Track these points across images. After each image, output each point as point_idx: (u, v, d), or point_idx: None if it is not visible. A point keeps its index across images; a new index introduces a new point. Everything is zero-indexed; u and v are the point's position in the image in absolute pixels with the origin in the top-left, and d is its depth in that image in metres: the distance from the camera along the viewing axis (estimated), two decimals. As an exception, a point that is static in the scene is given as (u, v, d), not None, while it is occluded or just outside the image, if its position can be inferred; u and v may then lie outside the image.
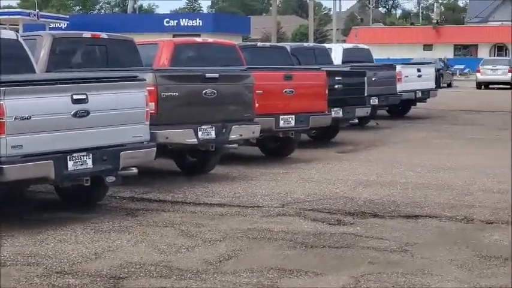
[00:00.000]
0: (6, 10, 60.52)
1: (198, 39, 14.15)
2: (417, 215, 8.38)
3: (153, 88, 9.46)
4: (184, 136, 9.94)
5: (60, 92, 7.70)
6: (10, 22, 48.24)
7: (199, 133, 10.10)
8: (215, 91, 10.23)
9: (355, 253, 6.81)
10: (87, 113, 7.85)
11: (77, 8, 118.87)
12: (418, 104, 22.86)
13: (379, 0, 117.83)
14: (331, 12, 65.77)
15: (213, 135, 10.27)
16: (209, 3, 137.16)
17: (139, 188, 9.89)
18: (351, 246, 7.05)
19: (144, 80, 8.61)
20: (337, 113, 14.56)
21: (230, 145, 10.68)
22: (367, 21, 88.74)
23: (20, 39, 9.41)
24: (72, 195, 8.87)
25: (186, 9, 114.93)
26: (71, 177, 7.87)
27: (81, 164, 7.85)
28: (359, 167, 11.96)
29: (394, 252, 6.81)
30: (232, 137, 10.48)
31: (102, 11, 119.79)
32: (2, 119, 7.19)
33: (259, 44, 17.67)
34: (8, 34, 9.40)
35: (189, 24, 56.45)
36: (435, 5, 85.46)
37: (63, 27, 51.28)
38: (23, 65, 9.27)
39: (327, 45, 23.09)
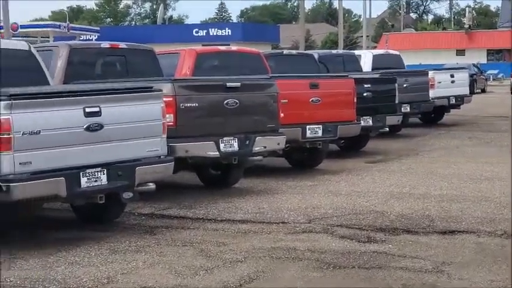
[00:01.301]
0: (37, 23, 61.10)
1: (222, 48, 13.69)
2: (453, 230, 7.84)
3: (171, 99, 9.02)
4: (205, 149, 9.47)
5: (72, 105, 7.29)
6: (41, 34, 48.59)
7: (221, 145, 9.63)
8: (237, 101, 9.77)
9: (387, 274, 6.30)
10: (101, 126, 7.43)
11: (108, 19, 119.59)
12: (451, 110, 22.21)
13: (410, 6, 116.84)
14: (362, 19, 65.15)
15: (235, 147, 9.80)
16: (239, 12, 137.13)
17: (159, 204, 9.46)
18: (383, 266, 6.54)
19: (161, 90, 8.18)
20: (367, 121, 14.07)
21: (254, 157, 10.20)
22: (398, 27, 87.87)
23: (33, 50, 9.03)
24: (89, 212, 8.46)
25: (216, 19, 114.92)
26: (85, 195, 7.47)
27: (95, 181, 7.43)
28: (391, 178, 11.42)
29: (430, 273, 6.30)
30: (256, 148, 10.00)
31: (133, 22, 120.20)
32: (9, 134, 6.80)
33: (285, 51, 17.22)
34: (20, 45, 9.02)
35: (218, 33, 56.38)
36: (467, 10, 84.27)
37: (93, 39, 51.41)
38: (35, 76, 8.89)
39: (356, 52, 22.54)
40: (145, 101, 7.97)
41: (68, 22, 56.01)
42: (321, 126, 11.87)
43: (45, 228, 8.42)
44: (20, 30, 47.34)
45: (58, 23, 54.61)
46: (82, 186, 7.32)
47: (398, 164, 13.30)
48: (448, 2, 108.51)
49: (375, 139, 15.80)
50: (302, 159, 12.77)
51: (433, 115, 21.76)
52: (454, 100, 21.21)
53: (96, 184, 7.43)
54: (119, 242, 7.55)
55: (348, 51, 26.68)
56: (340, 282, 6.14)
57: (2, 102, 6.80)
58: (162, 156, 8.09)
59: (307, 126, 11.71)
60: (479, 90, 42.69)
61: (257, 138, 9.99)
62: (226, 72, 11.85)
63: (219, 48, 13.76)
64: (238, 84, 9.87)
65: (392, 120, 15.13)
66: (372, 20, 72.42)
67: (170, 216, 8.86)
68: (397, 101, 15.49)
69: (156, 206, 9.34)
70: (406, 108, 17.92)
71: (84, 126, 7.32)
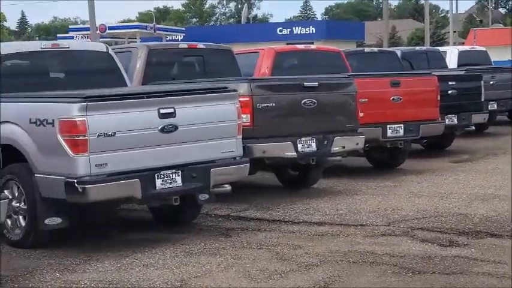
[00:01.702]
0: (125, 24, 62.24)
1: (300, 46, 13.54)
2: (540, 234, 7.49)
3: (248, 99, 8.93)
4: (282, 149, 9.33)
5: (146, 106, 7.26)
6: (128, 35, 49.44)
7: (299, 146, 9.47)
8: (315, 100, 9.60)
9: (469, 280, 6.04)
10: (175, 127, 7.38)
11: (194, 20, 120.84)
12: (541, 108, 21.38)
13: (498, 1, 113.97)
14: (449, 15, 63.88)
15: (313, 147, 9.63)
16: (323, 10, 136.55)
17: (236, 205, 9.38)
18: (464, 272, 6.27)
19: (235, 91, 8.07)
20: (452, 120, 13.67)
21: (333, 158, 10.00)
22: (487, 23, 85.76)
23: (111, 52, 9.09)
24: (166, 213, 8.43)
25: (300, 17, 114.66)
26: (159, 197, 7.41)
27: (170, 182, 7.38)
28: (475, 179, 11.05)
29: (513, 280, 6.01)
30: (335, 149, 9.80)
31: (218, 22, 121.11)
32: (85, 136, 6.83)
33: (366, 49, 16.93)
34: (98, 46, 9.09)
35: (302, 32, 55.94)
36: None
37: (179, 39, 51.90)
38: (112, 78, 8.94)
39: (441, 49, 22.02)
40: (220, 101, 7.88)
41: (154, 23, 56.74)
42: (402, 125, 11.56)
43: (120, 229, 8.45)
44: (107, 31, 48.21)
45: (145, 24, 55.36)
46: (157, 188, 7.28)
47: (485, 163, 12.88)
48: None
49: (460, 138, 15.38)
50: (383, 159, 12.50)
51: (521, 113, 21.02)
52: (544, 97, 20.42)
53: (170, 186, 7.38)
54: (194, 244, 7.49)
55: (432, 47, 26.11)
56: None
57: (77, 104, 6.84)
58: (237, 158, 7.99)
59: (388, 126, 11.42)
60: None
61: (335, 138, 9.80)
62: (305, 71, 11.72)
63: (297, 47, 13.61)
64: (316, 83, 9.70)
65: (479, 118, 14.63)
66: (459, 16, 70.96)
67: (246, 218, 8.77)
68: (483, 99, 14.97)
69: (233, 208, 9.26)
70: (493, 106, 17.35)
71: (159, 128, 7.28)
